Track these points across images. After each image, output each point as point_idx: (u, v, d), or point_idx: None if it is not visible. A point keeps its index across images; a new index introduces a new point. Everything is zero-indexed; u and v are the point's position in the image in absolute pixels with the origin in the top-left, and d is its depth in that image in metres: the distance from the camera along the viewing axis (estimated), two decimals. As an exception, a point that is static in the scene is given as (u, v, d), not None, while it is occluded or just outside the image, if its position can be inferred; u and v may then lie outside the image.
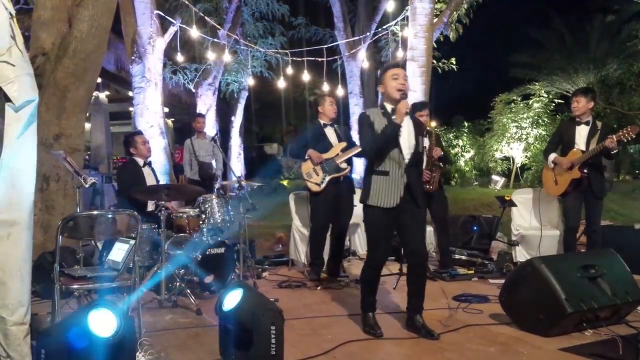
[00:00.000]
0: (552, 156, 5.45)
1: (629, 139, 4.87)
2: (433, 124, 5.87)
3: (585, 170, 5.16)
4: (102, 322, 2.63)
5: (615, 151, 4.98)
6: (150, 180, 5.44)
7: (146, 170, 5.48)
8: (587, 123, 5.26)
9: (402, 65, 3.95)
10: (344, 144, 5.39)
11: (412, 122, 3.82)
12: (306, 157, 5.40)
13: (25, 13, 8.79)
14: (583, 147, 5.21)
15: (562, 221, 5.79)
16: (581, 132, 5.26)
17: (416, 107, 5.83)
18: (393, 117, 3.68)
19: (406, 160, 3.72)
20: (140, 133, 5.87)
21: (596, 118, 5.39)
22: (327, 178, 5.31)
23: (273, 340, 2.94)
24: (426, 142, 5.62)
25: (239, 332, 3.06)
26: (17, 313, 2.60)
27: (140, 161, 5.47)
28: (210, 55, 10.61)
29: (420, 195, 3.80)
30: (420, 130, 3.88)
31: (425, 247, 3.85)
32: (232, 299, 3.16)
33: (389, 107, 3.77)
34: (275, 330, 2.95)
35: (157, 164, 8.06)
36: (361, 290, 3.97)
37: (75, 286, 3.38)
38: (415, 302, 3.84)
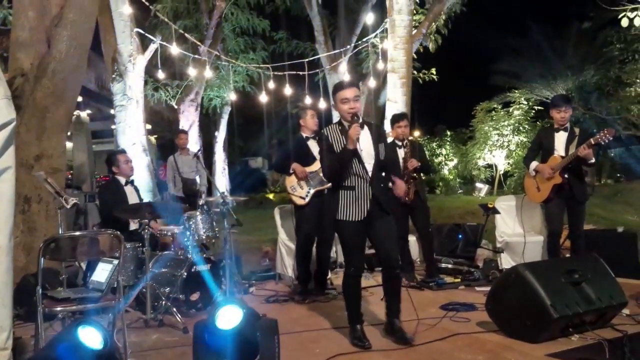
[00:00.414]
0: (534, 164, 5.50)
1: (606, 141, 4.93)
2: (417, 133, 5.91)
3: (565, 175, 5.22)
4: (89, 336, 2.61)
5: (591, 161, 5.05)
6: (133, 199, 5.40)
7: (129, 189, 5.44)
8: (565, 129, 5.33)
9: (350, 83, 4.03)
10: None
11: (370, 131, 3.89)
12: (290, 172, 5.40)
13: (3, 34, 8.75)
14: (562, 153, 5.27)
15: (545, 227, 5.83)
16: (560, 138, 5.32)
17: (395, 118, 5.88)
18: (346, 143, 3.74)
19: (370, 174, 3.80)
20: (123, 152, 5.83)
21: (575, 124, 5.45)
22: (312, 191, 5.31)
23: (277, 350, 3.08)
24: (402, 153, 5.67)
25: (242, 347, 3.05)
26: (-2, 338, 2.56)
27: (122, 180, 5.43)
28: (192, 72, 10.60)
29: (386, 202, 3.87)
30: (380, 138, 3.96)
31: (396, 253, 3.93)
32: (228, 316, 3.12)
33: (345, 123, 3.85)
34: (277, 341, 3.09)
35: (141, 182, 8.01)
36: (346, 303, 3.97)
37: (58, 308, 3.34)
38: (392, 306, 3.93)
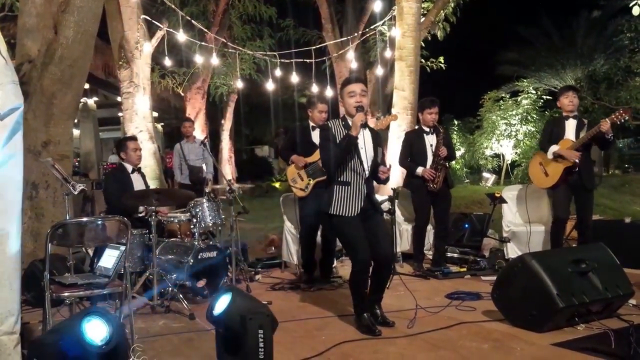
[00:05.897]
0: (554, 148, 5.37)
1: (622, 120, 4.93)
2: None
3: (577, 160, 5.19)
4: (95, 330, 2.61)
5: (610, 135, 5.00)
6: (139, 186, 5.37)
7: (135, 176, 5.41)
8: (575, 117, 5.35)
9: (358, 79, 4.11)
10: None
11: (370, 133, 3.97)
12: (290, 162, 5.41)
13: (10, 20, 8.75)
14: (573, 138, 5.27)
15: (551, 214, 5.80)
16: (570, 125, 5.35)
17: (425, 104, 5.83)
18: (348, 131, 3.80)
19: (366, 172, 3.86)
20: (133, 138, 5.75)
21: (585, 113, 5.46)
22: (312, 182, 5.29)
23: (261, 344, 2.91)
24: (433, 139, 5.69)
25: (228, 337, 3.05)
26: (6, 322, 2.58)
27: (129, 167, 5.42)
28: (199, 59, 10.58)
29: (378, 201, 3.98)
30: (378, 141, 4.02)
31: (391, 250, 4.05)
32: (221, 303, 3.15)
33: (349, 119, 3.90)
34: (263, 334, 2.92)
35: (147, 169, 8.02)
36: (352, 293, 3.97)
37: (66, 294, 3.35)
38: (375, 296, 4.01)
